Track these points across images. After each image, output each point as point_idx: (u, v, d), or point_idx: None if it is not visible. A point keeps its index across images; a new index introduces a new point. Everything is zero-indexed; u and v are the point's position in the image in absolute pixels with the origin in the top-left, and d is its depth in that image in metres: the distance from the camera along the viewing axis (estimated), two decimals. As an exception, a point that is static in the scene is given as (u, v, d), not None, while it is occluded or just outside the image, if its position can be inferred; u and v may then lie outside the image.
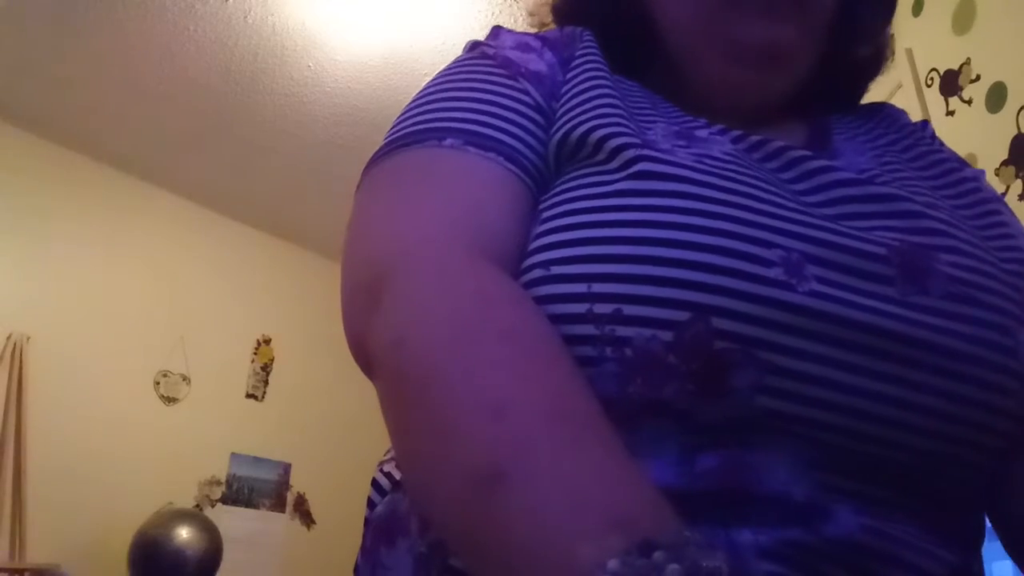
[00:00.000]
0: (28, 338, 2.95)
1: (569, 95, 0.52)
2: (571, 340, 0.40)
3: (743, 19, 0.54)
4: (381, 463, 0.53)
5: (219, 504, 3.36)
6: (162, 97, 2.98)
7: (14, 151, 3.11)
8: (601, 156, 0.46)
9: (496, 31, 0.58)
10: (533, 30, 0.65)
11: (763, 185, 0.44)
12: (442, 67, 0.57)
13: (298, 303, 3.87)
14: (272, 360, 3.76)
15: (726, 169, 0.45)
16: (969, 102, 1.70)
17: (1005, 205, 0.54)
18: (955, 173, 0.55)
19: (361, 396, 2.79)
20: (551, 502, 0.31)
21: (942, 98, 1.78)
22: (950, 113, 1.75)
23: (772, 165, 0.48)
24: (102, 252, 3.29)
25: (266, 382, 3.71)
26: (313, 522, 3.65)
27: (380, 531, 0.47)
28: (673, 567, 0.27)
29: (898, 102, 1.85)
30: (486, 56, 0.55)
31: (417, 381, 0.37)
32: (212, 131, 3.16)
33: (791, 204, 0.44)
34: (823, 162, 0.48)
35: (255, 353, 3.71)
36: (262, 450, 3.57)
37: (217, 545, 2.90)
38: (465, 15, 2.58)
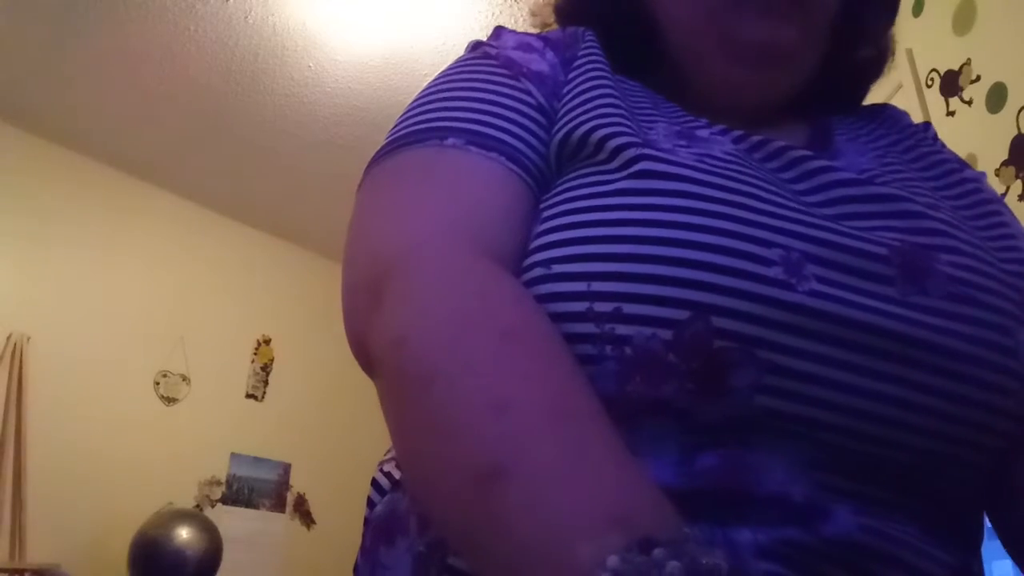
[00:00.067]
0: (28, 338, 2.95)
1: (571, 95, 0.52)
2: (571, 338, 0.40)
3: (744, 19, 0.54)
4: (381, 463, 0.53)
5: (219, 504, 3.36)
6: (162, 97, 2.98)
7: (14, 151, 3.12)
8: (602, 156, 0.47)
9: (498, 31, 0.58)
10: (535, 30, 0.65)
11: (764, 185, 0.44)
12: (442, 67, 0.57)
13: (298, 303, 3.87)
14: (272, 360, 3.76)
15: (727, 169, 0.45)
16: (969, 102, 1.70)
17: (1006, 207, 0.55)
18: (956, 174, 0.55)
19: (361, 396, 2.79)
20: (551, 500, 0.31)
21: (942, 98, 1.78)
22: (950, 113, 1.75)
23: (773, 165, 0.48)
24: (102, 252, 3.29)
25: (266, 382, 3.71)
26: (313, 522, 3.65)
27: (379, 531, 0.47)
28: (673, 564, 0.27)
29: (898, 102, 1.85)
30: (488, 56, 0.55)
31: (418, 379, 0.37)
32: (212, 131, 3.17)
33: (792, 204, 0.44)
34: (824, 162, 0.48)
35: (255, 353, 3.71)
36: (262, 450, 3.57)
37: (217, 545, 2.90)
38: (465, 15, 2.58)
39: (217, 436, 3.44)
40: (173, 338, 3.40)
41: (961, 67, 1.73)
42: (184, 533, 2.81)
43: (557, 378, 0.37)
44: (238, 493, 3.45)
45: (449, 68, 0.56)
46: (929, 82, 1.83)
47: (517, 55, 0.55)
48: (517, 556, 0.30)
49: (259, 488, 3.52)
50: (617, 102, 0.50)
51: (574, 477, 0.31)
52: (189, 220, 3.62)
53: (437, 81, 0.54)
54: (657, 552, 0.27)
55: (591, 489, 0.31)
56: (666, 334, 0.39)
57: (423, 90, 0.54)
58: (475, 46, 0.58)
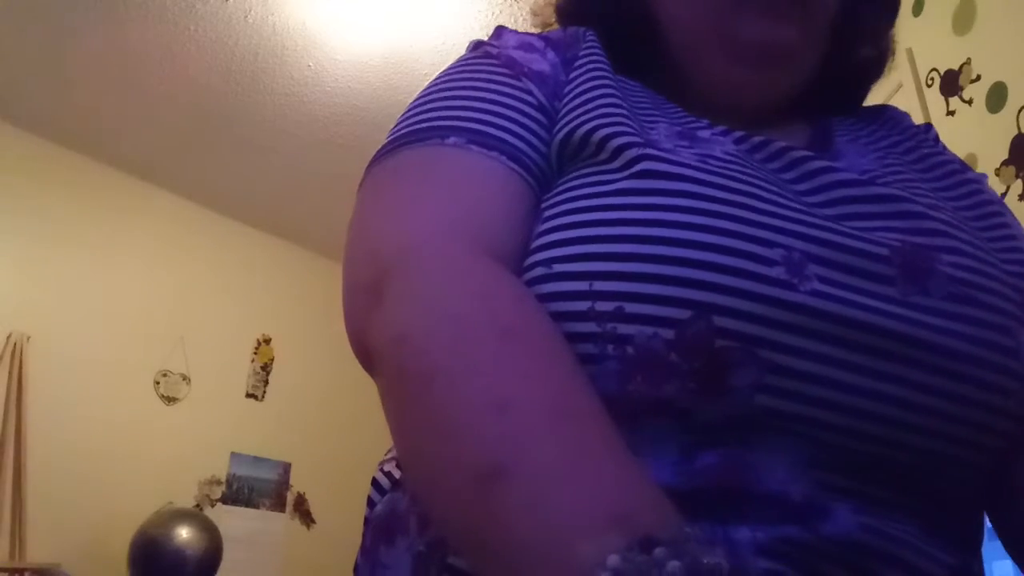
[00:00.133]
0: (28, 338, 2.95)
1: (572, 95, 0.52)
2: (573, 338, 0.40)
3: (745, 19, 0.54)
4: (381, 462, 0.53)
5: (219, 504, 3.36)
6: (162, 97, 2.98)
7: (14, 151, 3.12)
8: (604, 155, 0.47)
9: (499, 31, 0.58)
10: (536, 30, 0.65)
11: (765, 185, 0.45)
12: (442, 67, 0.57)
13: (298, 303, 3.87)
14: (272, 360, 3.76)
15: (728, 169, 0.45)
16: (969, 102, 1.70)
17: (1007, 208, 0.55)
18: (957, 175, 0.55)
19: (361, 396, 2.79)
20: (552, 499, 0.31)
21: (942, 98, 1.78)
22: (950, 113, 1.75)
23: (774, 165, 0.48)
24: (102, 252, 3.29)
25: (266, 382, 3.71)
26: (313, 522, 3.65)
27: (380, 530, 0.47)
28: (674, 563, 0.27)
29: (898, 102, 1.85)
30: (489, 56, 0.55)
31: (419, 378, 0.37)
32: (212, 131, 3.17)
33: (793, 204, 0.44)
34: (825, 163, 0.48)
35: (255, 353, 3.71)
36: (262, 450, 3.57)
37: (217, 545, 2.90)
38: (465, 15, 2.58)
39: (217, 436, 3.44)
40: (173, 338, 3.40)
41: (961, 67, 1.73)
42: (184, 533, 2.81)
43: (558, 377, 0.37)
44: (238, 493, 3.45)
45: (450, 67, 0.56)
46: (929, 82, 1.83)
47: (518, 55, 0.55)
48: (517, 555, 0.30)
49: (259, 488, 3.52)
50: (619, 102, 0.50)
51: (575, 476, 0.31)
52: (189, 220, 3.62)
53: (438, 80, 0.54)
54: (658, 551, 0.27)
55: (592, 488, 0.31)
56: (668, 333, 0.39)
57: (424, 89, 0.54)
58: (476, 46, 0.58)
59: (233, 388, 3.59)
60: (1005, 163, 1.57)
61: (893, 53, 0.65)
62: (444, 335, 0.38)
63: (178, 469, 3.25)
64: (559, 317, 0.41)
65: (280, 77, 2.88)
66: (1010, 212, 0.54)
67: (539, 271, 0.43)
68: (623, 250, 0.41)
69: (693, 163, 0.45)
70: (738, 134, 0.50)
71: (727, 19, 0.54)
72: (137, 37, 2.70)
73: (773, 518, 0.37)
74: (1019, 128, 1.55)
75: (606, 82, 0.52)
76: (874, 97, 0.66)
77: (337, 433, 3.72)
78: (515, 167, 0.48)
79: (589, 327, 0.40)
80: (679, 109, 0.54)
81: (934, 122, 1.77)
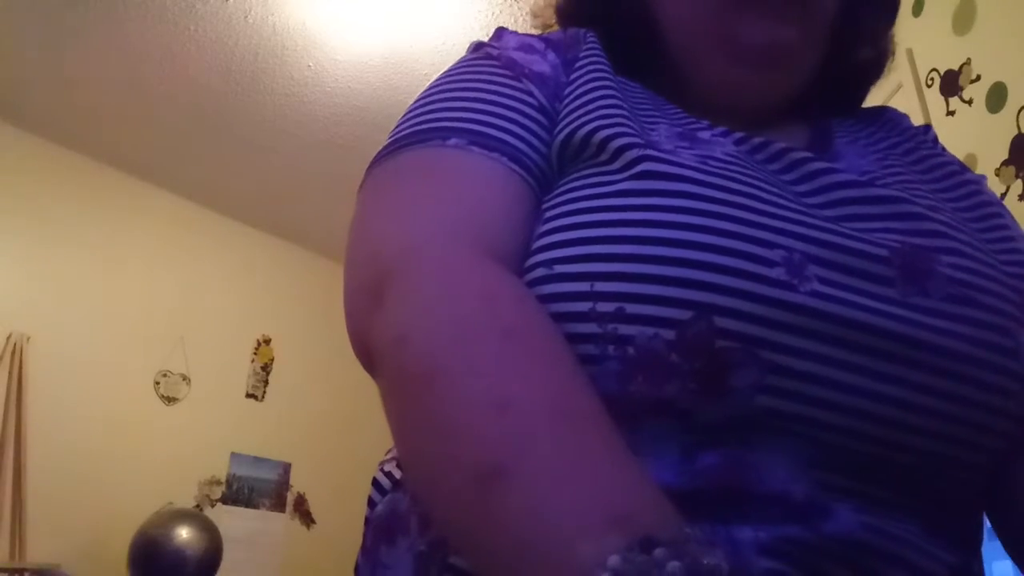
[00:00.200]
0: (28, 338, 2.95)
1: (572, 96, 0.52)
2: (574, 338, 0.40)
3: (745, 20, 0.54)
4: (382, 463, 0.53)
5: (219, 504, 3.36)
6: (162, 97, 2.98)
7: (14, 151, 3.12)
8: (604, 156, 0.47)
9: (500, 32, 0.59)
10: (536, 31, 0.65)
11: (765, 186, 0.45)
12: (442, 67, 0.57)
13: (298, 303, 3.87)
14: (272, 360, 3.76)
15: (728, 170, 0.45)
16: (969, 102, 1.70)
17: (1006, 209, 0.55)
18: (957, 176, 0.55)
19: (361, 396, 2.79)
20: (552, 499, 0.31)
21: (942, 98, 1.78)
22: (950, 113, 1.75)
23: (774, 167, 0.48)
24: (102, 252, 3.29)
25: (266, 382, 3.71)
26: (313, 522, 3.65)
27: (380, 530, 0.47)
28: (674, 564, 0.27)
29: (898, 102, 1.85)
30: (490, 57, 0.55)
31: (419, 378, 0.37)
32: (212, 131, 3.17)
33: (793, 205, 0.44)
34: (825, 164, 0.48)
35: (255, 353, 3.71)
36: (262, 450, 3.57)
37: (217, 545, 2.90)
38: (465, 15, 2.58)
39: (217, 436, 3.44)
40: (173, 338, 3.40)
41: (961, 67, 1.73)
42: (184, 533, 2.81)
43: (558, 378, 0.37)
44: (238, 493, 3.45)
45: (451, 69, 0.56)
46: (929, 82, 1.83)
47: (519, 56, 0.55)
48: (518, 555, 0.31)
49: (259, 488, 3.52)
50: (619, 103, 0.50)
51: (575, 476, 0.32)
52: (189, 220, 3.62)
53: (439, 82, 0.54)
54: (658, 552, 0.27)
55: (592, 489, 0.31)
56: (669, 334, 0.39)
57: (425, 90, 0.54)
58: (477, 47, 0.58)
59: (233, 388, 3.59)
60: (1005, 163, 1.57)
61: (893, 54, 0.65)
62: (445, 336, 0.38)
63: (178, 469, 3.25)
64: (560, 318, 0.41)
65: (280, 77, 2.88)
66: (1009, 213, 0.55)
67: (540, 272, 0.43)
68: (624, 251, 0.41)
69: (693, 164, 0.45)
70: (738, 135, 0.50)
71: (727, 20, 0.54)
72: (137, 37, 2.70)
73: (775, 518, 0.37)
74: (1019, 128, 1.55)
75: (607, 83, 0.52)
76: (874, 97, 0.66)
77: (337, 433, 3.73)
78: (516, 168, 0.48)
79: (590, 328, 0.41)
80: (679, 110, 0.54)
81: (934, 122, 1.77)
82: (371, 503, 0.51)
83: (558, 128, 0.50)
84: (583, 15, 0.62)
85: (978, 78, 1.68)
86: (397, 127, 0.52)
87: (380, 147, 0.52)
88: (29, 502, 2.76)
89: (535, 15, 0.71)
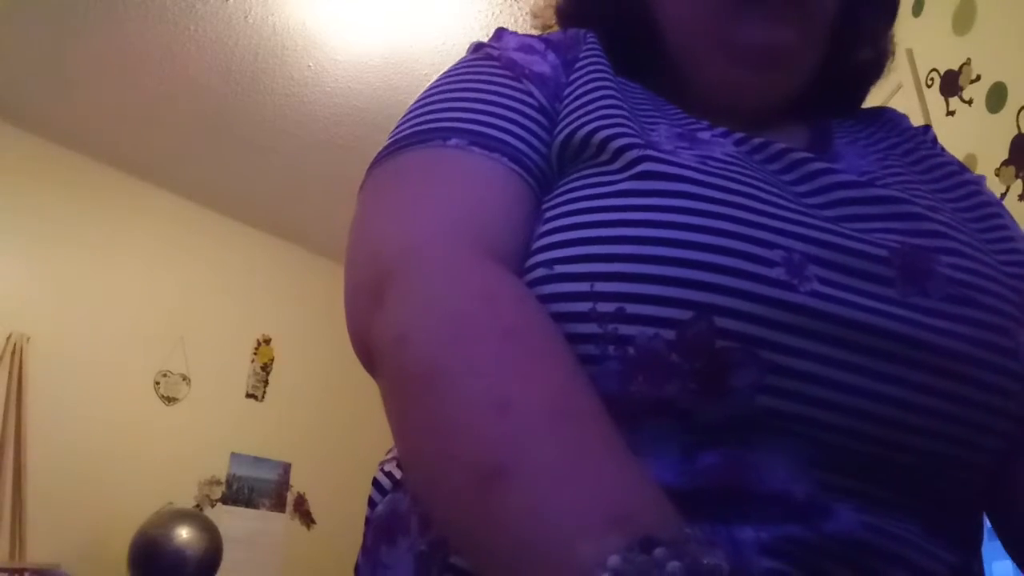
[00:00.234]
0: (28, 338, 2.95)
1: (573, 96, 0.52)
2: (574, 338, 0.40)
3: (744, 20, 0.54)
4: (382, 463, 0.53)
5: (219, 504, 3.36)
6: (162, 97, 2.98)
7: (14, 151, 3.12)
8: (604, 157, 0.47)
9: (499, 32, 0.59)
10: (536, 31, 0.65)
11: (765, 186, 0.45)
12: (442, 67, 0.57)
13: (298, 303, 3.87)
14: (272, 360, 3.76)
15: (728, 170, 0.45)
16: (969, 102, 1.70)
17: (1005, 210, 0.55)
18: (956, 177, 0.55)
19: (361, 396, 2.79)
20: (552, 499, 0.31)
21: (942, 98, 1.78)
22: (950, 113, 1.75)
23: (774, 167, 0.48)
24: (102, 252, 3.29)
25: (266, 382, 3.71)
26: (313, 522, 3.65)
27: (381, 530, 0.47)
28: (674, 564, 0.27)
29: (898, 102, 1.85)
30: (490, 57, 0.55)
31: (420, 378, 0.37)
32: (212, 131, 3.17)
33: (793, 205, 0.44)
34: (824, 164, 0.48)
35: (255, 353, 3.71)
36: (262, 450, 3.57)
37: (217, 545, 2.90)
38: (465, 15, 2.58)
39: (217, 436, 3.44)
40: (173, 338, 3.40)
41: (961, 67, 1.73)
42: (184, 533, 2.81)
43: (559, 378, 0.37)
44: (238, 493, 3.45)
45: (451, 69, 0.56)
46: (929, 82, 1.83)
47: (519, 56, 0.55)
48: (518, 555, 0.31)
49: (259, 488, 3.52)
50: (619, 103, 0.50)
51: (575, 476, 0.32)
52: (189, 220, 3.62)
53: (439, 82, 0.54)
54: (658, 552, 0.28)
55: (592, 488, 0.31)
56: (669, 334, 0.39)
57: (425, 91, 0.54)
58: (477, 47, 0.58)
59: (233, 388, 3.59)
60: (1005, 163, 1.57)
61: (893, 54, 0.65)
62: (445, 336, 0.38)
63: (178, 469, 3.25)
64: (560, 318, 0.41)
65: (280, 77, 2.88)
66: (1008, 213, 0.55)
67: (540, 272, 0.44)
68: (624, 251, 0.41)
69: (693, 164, 0.45)
70: (738, 136, 0.50)
71: (727, 21, 0.54)
72: (137, 37, 2.70)
73: (776, 517, 0.37)
74: (1019, 128, 1.55)
75: (607, 83, 0.52)
76: (874, 97, 0.66)
77: (337, 433, 3.73)
78: (516, 168, 0.48)
79: (590, 328, 0.41)
80: (679, 111, 0.54)
81: (934, 122, 1.77)
82: (371, 503, 0.51)
83: (558, 128, 0.51)
84: (583, 15, 0.62)
85: (978, 78, 1.68)
86: (397, 127, 0.52)
87: (380, 147, 0.52)
88: (29, 502, 2.75)
89: (535, 15, 0.71)
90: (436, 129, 0.50)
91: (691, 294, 0.39)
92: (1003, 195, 1.55)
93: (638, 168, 0.45)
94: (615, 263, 0.41)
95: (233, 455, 3.47)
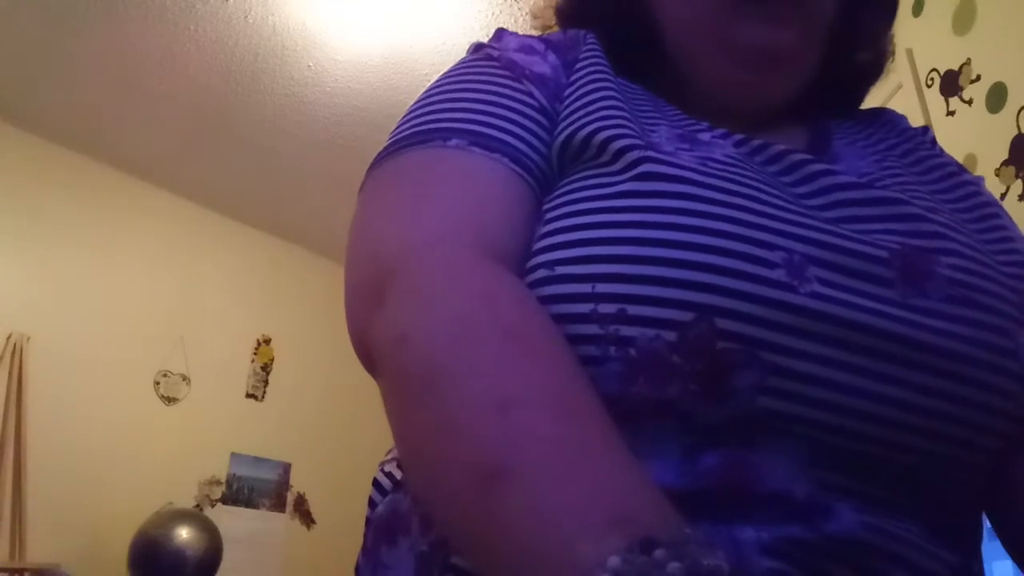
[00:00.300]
0: (28, 338, 2.95)
1: (573, 97, 0.52)
2: (575, 340, 0.40)
3: (745, 22, 0.54)
4: (382, 463, 0.53)
5: (219, 504, 3.36)
6: (162, 97, 2.98)
7: (14, 151, 3.12)
8: (605, 158, 0.47)
9: (499, 33, 0.59)
10: (536, 32, 0.65)
11: (765, 188, 0.45)
12: (442, 67, 0.57)
13: (298, 303, 3.87)
14: (272, 360, 3.76)
15: (729, 172, 0.45)
16: (969, 102, 1.70)
17: (1004, 210, 0.55)
18: (955, 177, 0.55)
19: (361, 396, 2.79)
20: (553, 499, 0.31)
21: (942, 98, 1.78)
22: (950, 113, 1.75)
23: (774, 168, 0.48)
24: (102, 252, 3.29)
25: (266, 382, 3.71)
26: (313, 522, 3.65)
27: (381, 530, 0.47)
28: (674, 565, 0.27)
29: (898, 102, 1.85)
30: (490, 58, 0.55)
31: (420, 378, 0.37)
32: (212, 131, 3.17)
33: (793, 207, 0.44)
34: (824, 166, 0.48)
35: (255, 353, 3.71)
36: (262, 450, 3.57)
37: (217, 545, 2.90)
38: (465, 15, 2.58)
39: (217, 436, 3.44)
40: (173, 338, 3.40)
41: (961, 67, 1.73)
42: (184, 533, 2.81)
43: (559, 378, 0.37)
44: (238, 493, 3.45)
45: (451, 70, 0.56)
46: (929, 82, 1.83)
47: (519, 57, 0.55)
48: (518, 556, 0.31)
49: (259, 488, 3.52)
50: (619, 104, 0.50)
51: (575, 477, 0.32)
52: (189, 220, 3.62)
53: (439, 82, 0.55)
54: (658, 553, 0.28)
55: (592, 489, 0.31)
56: (670, 335, 0.39)
57: (425, 91, 0.54)
58: (477, 48, 0.58)
59: (233, 388, 3.59)
60: (1005, 163, 1.57)
61: (892, 54, 0.65)
62: (446, 336, 0.38)
63: (178, 469, 3.25)
64: (561, 319, 0.41)
65: (280, 77, 2.88)
66: (1007, 214, 0.55)
67: (541, 273, 0.44)
68: (625, 252, 0.41)
69: (694, 166, 0.45)
70: (738, 137, 0.50)
71: (726, 22, 0.54)
72: (137, 37, 2.70)
73: (777, 518, 0.37)
74: (1019, 128, 1.55)
75: (607, 84, 0.52)
76: (874, 97, 0.66)
77: (337, 433, 3.73)
78: (517, 169, 0.48)
79: (591, 329, 0.41)
80: (679, 112, 0.54)
81: (934, 122, 1.77)
82: (372, 503, 0.51)
83: (559, 129, 0.51)
84: (583, 16, 0.62)
85: (978, 78, 1.68)
86: (398, 128, 0.52)
87: (380, 147, 0.52)
88: (29, 502, 2.75)
89: (535, 16, 0.71)
90: (436, 129, 0.50)
91: (692, 296, 0.39)
92: (1003, 195, 1.55)
93: (639, 169, 0.45)
94: (616, 264, 0.41)
95: (233, 455, 3.47)
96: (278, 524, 3.54)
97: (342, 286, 0.48)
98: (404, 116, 0.53)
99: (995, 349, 0.43)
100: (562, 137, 0.50)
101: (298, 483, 3.65)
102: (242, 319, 3.69)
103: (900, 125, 0.61)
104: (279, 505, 3.57)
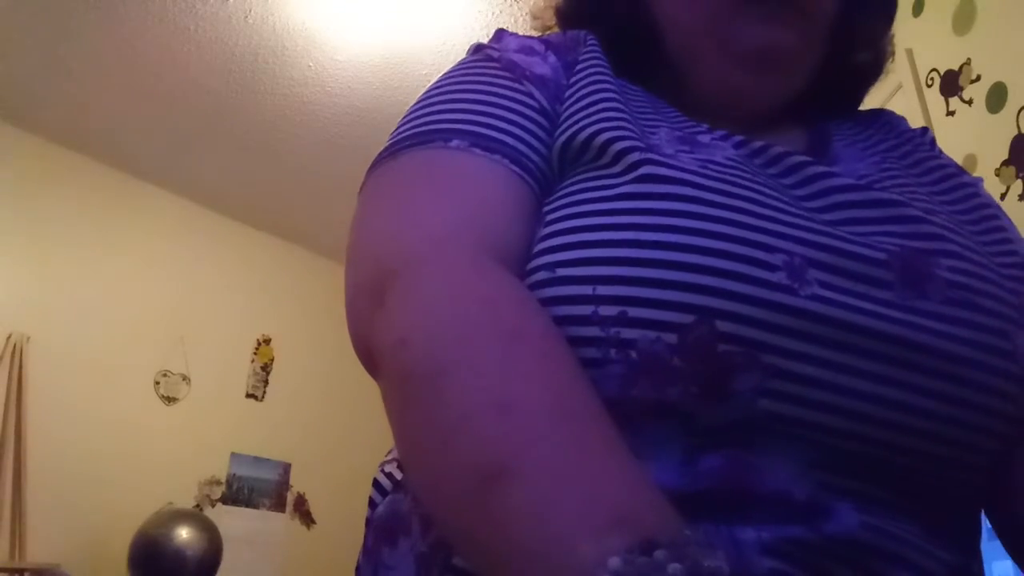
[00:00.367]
0: (28, 338, 2.95)
1: (573, 98, 0.52)
2: (576, 342, 0.40)
3: (744, 24, 0.54)
4: (382, 463, 0.53)
5: (219, 504, 3.36)
6: (162, 97, 2.98)
7: (14, 151, 3.12)
8: (605, 159, 0.47)
9: (500, 34, 0.59)
10: (536, 33, 0.65)
11: (765, 190, 0.45)
12: (443, 67, 0.57)
13: (298, 303, 3.87)
14: (272, 360, 3.76)
15: (729, 174, 0.45)
16: (969, 102, 1.70)
17: (1003, 212, 0.55)
18: (954, 179, 0.55)
19: (361, 396, 2.79)
20: (553, 500, 0.31)
21: (942, 98, 1.78)
22: (950, 113, 1.75)
23: (773, 171, 0.48)
24: (102, 252, 3.29)
25: (266, 382, 3.71)
26: (313, 522, 3.65)
27: (382, 531, 0.47)
28: (675, 566, 0.27)
29: (898, 103, 1.85)
30: (490, 59, 0.55)
31: (421, 379, 0.37)
32: (212, 131, 3.17)
33: (793, 209, 0.44)
34: (823, 168, 0.48)
35: (255, 353, 3.71)
36: (262, 450, 3.57)
37: (217, 545, 2.90)
38: (466, 15, 2.58)
39: (217, 436, 3.44)
40: (173, 338, 3.40)
41: (961, 67, 1.74)
42: (184, 533, 2.81)
43: (560, 379, 0.37)
44: (238, 493, 3.45)
45: (451, 70, 0.56)
46: (929, 82, 1.83)
47: (519, 58, 0.55)
48: (518, 556, 0.31)
49: (259, 488, 3.52)
50: (620, 106, 0.50)
51: (576, 478, 0.32)
52: (189, 220, 3.62)
53: (439, 83, 0.54)
54: (659, 554, 0.28)
55: (593, 490, 0.31)
56: (671, 338, 0.39)
57: (425, 92, 0.54)
58: (477, 49, 0.58)
59: (233, 388, 3.59)
60: (1005, 163, 1.57)
61: (892, 54, 0.65)
62: (446, 337, 0.38)
63: (178, 469, 3.25)
64: (562, 321, 0.41)
65: (280, 77, 2.88)
66: (1006, 215, 0.55)
67: (542, 275, 0.44)
68: (626, 254, 0.41)
69: (694, 168, 0.45)
70: (738, 139, 0.50)
71: (726, 23, 0.54)
72: (137, 37, 2.70)
73: (777, 518, 0.37)
74: (1019, 128, 1.55)
75: (607, 86, 0.52)
76: (874, 98, 0.66)
77: (337, 433, 3.73)
78: (517, 170, 0.48)
79: (592, 331, 0.41)
80: (679, 114, 0.54)
81: (934, 122, 1.77)
82: (372, 504, 0.51)
83: (559, 130, 0.51)
84: (583, 17, 0.62)
85: (978, 78, 1.68)
86: (398, 128, 0.52)
87: (381, 147, 0.52)
88: (29, 502, 2.75)
89: (535, 16, 0.71)
90: (437, 130, 0.50)
91: (693, 298, 0.39)
92: (1003, 195, 1.55)
93: (639, 171, 0.45)
94: (617, 266, 0.41)
95: (233, 455, 3.47)
96: (278, 524, 3.54)
97: (342, 286, 0.48)
98: (404, 117, 0.53)
99: (994, 351, 0.43)
100: (562, 138, 0.50)
101: (298, 483, 3.65)
102: (242, 319, 3.69)
103: (899, 126, 0.61)
104: (279, 505, 3.57)
